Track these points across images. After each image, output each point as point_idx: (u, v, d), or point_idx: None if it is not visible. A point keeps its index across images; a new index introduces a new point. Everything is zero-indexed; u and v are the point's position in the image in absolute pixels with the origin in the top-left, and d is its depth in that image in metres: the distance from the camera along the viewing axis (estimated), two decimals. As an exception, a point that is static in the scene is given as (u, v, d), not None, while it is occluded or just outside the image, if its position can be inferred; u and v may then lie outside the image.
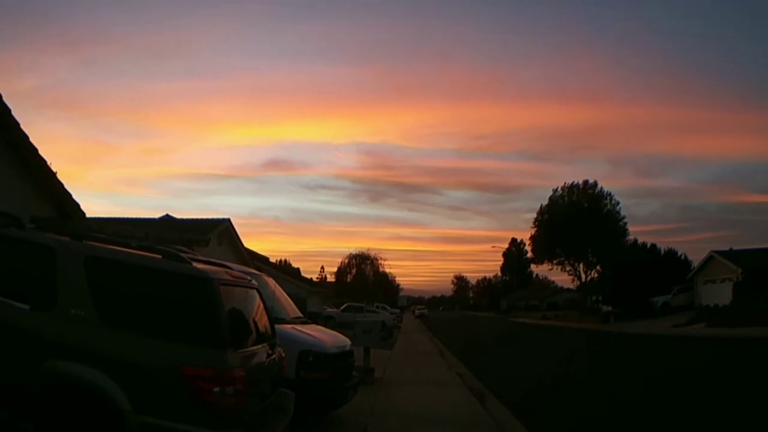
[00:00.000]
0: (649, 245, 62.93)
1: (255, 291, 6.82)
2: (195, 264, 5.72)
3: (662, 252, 61.55)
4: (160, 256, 5.69)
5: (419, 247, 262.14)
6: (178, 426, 4.95)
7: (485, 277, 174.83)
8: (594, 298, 74.65)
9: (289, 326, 9.55)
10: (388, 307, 67.50)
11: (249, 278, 6.92)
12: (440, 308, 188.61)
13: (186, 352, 5.12)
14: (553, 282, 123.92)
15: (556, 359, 24.87)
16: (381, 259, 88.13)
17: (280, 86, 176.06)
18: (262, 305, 6.87)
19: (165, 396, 5.08)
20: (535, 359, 25.55)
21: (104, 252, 5.81)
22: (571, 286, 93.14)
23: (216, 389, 4.97)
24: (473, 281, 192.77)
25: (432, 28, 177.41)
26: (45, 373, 5.21)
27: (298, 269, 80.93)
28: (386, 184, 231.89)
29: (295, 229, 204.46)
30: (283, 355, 7.16)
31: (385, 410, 11.28)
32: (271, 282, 10.65)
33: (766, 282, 38.50)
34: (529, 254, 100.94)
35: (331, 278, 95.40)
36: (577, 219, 76.75)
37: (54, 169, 11.44)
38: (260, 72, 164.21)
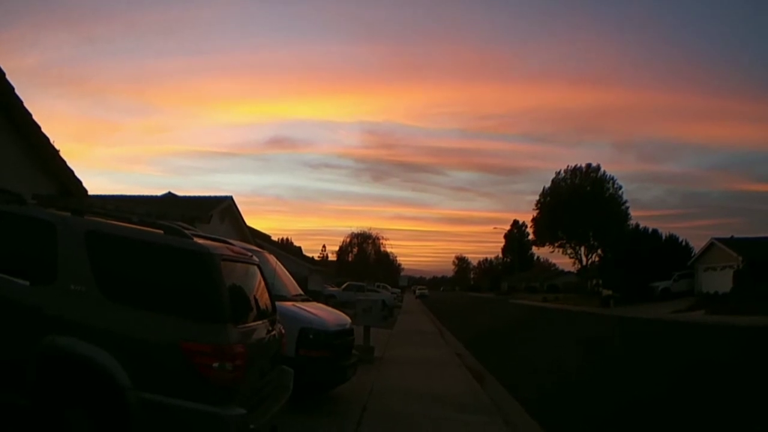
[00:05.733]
0: (650, 230, 63.05)
1: (256, 267, 6.79)
2: (196, 239, 5.70)
3: (663, 237, 61.61)
4: (161, 231, 5.65)
5: (421, 227, 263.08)
6: (177, 402, 4.94)
7: (486, 259, 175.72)
8: (594, 281, 74.76)
9: (289, 303, 9.55)
10: (389, 287, 67.58)
11: (250, 254, 6.90)
12: (441, 289, 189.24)
13: (186, 327, 5.10)
14: (554, 264, 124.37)
15: (555, 341, 24.98)
16: (383, 238, 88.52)
17: (284, 64, 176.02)
18: (263, 282, 6.83)
19: (164, 372, 5.06)
20: (535, 341, 25.65)
21: (105, 227, 5.76)
22: (572, 269, 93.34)
23: (215, 365, 4.95)
24: (474, 262, 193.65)
25: (439, 7, 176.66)
26: (44, 349, 5.19)
27: (299, 248, 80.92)
28: (389, 163, 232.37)
29: (298, 207, 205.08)
30: (284, 331, 7.16)
31: (385, 389, 11.33)
32: (272, 259, 10.65)
33: (766, 271, 38.49)
34: (531, 236, 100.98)
35: (332, 257, 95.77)
36: (579, 202, 76.66)
37: (57, 147, 11.45)
38: (263, 49, 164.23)
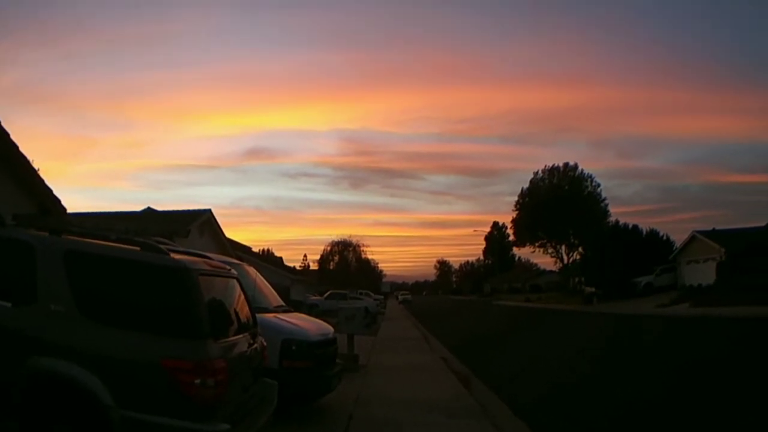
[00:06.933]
0: (630, 226, 63.37)
1: (235, 281, 6.78)
2: (173, 255, 5.68)
3: (644, 233, 62.01)
4: (138, 249, 5.64)
5: (401, 232, 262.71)
6: (159, 419, 4.92)
7: (468, 261, 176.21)
8: (576, 279, 75.17)
9: (271, 315, 9.52)
10: (372, 294, 67.56)
11: (228, 268, 6.88)
12: (424, 293, 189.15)
13: (166, 344, 5.08)
14: (536, 264, 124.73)
15: (540, 341, 25.07)
16: (363, 245, 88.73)
17: (259, 74, 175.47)
18: (242, 295, 6.84)
19: (146, 389, 5.04)
20: (520, 342, 25.73)
21: (83, 246, 5.76)
22: (554, 268, 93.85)
23: (197, 381, 4.93)
24: (456, 265, 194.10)
25: (411, 13, 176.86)
26: (28, 371, 5.16)
27: (281, 258, 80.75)
28: (367, 170, 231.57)
29: (277, 217, 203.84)
30: (265, 344, 7.14)
31: (371, 396, 11.32)
32: (252, 271, 10.62)
33: (749, 261, 38.83)
34: (511, 237, 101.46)
35: (314, 266, 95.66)
36: (558, 201, 77.16)
37: (35, 166, 11.42)
38: (239, 61, 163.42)
